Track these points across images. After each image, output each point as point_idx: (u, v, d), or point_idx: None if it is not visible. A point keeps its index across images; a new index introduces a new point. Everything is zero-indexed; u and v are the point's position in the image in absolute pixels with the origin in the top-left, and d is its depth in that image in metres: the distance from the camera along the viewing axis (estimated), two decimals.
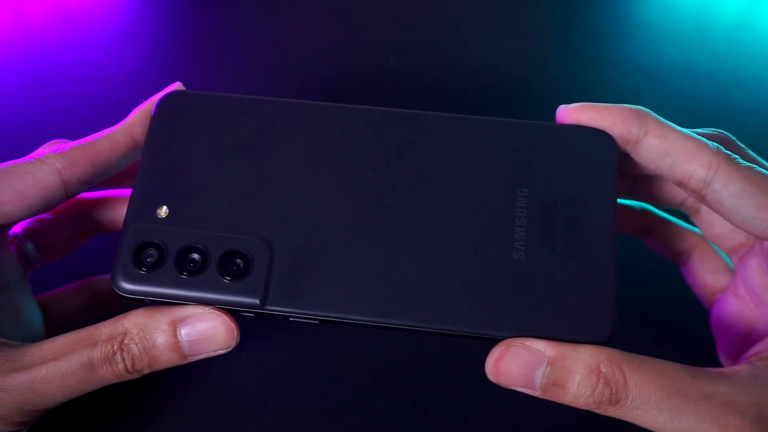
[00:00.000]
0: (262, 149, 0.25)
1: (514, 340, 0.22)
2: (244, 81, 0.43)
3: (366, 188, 0.24)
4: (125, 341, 0.23)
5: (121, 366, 0.23)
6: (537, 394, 0.22)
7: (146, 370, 0.23)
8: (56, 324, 0.29)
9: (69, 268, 0.30)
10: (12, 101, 0.41)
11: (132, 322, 0.23)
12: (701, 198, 0.24)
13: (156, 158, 0.25)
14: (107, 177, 0.27)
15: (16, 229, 0.28)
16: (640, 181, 0.29)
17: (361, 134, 0.25)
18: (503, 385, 0.22)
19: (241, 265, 0.23)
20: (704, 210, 0.28)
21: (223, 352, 0.23)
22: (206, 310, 0.23)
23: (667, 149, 0.24)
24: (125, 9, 0.47)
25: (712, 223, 0.28)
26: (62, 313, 0.29)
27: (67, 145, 0.26)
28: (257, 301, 0.23)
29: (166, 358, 0.23)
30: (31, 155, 0.25)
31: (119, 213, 0.30)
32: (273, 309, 0.23)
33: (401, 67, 0.45)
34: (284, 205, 0.24)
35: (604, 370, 0.21)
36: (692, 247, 0.30)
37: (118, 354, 0.23)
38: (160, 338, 0.23)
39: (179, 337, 0.23)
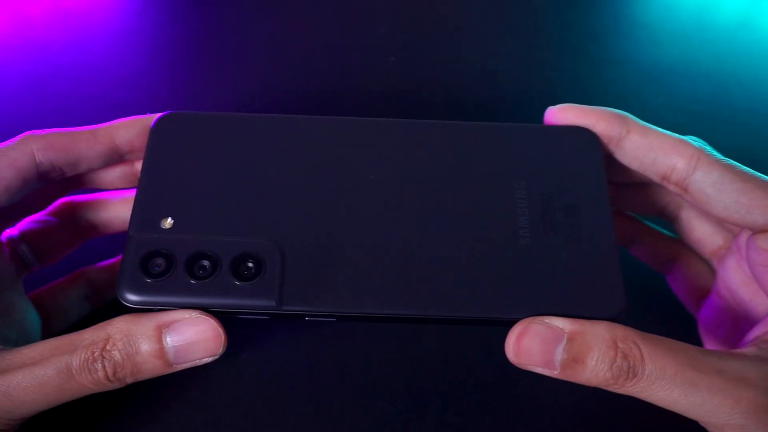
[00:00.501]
0: (263, 160, 0.25)
1: (533, 319, 0.22)
2: (244, 81, 0.43)
3: (371, 189, 0.25)
4: (107, 347, 0.22)
5: (101, 373, 0.22)
6: (555, 373, 0.22)
7: (129, 379, 0.22)
8: (54, 318, 0.29)
9: (65, 269, 0.30)
10: (12, 101, 0.41)
11: (115, 327, 0.22)
12: (683, 190, 0.25)
13: (156, 172, 0.25)
14: (80, 170, 0.27)
15: (12, 231, 0.28)
16: (620, 190, 0.30)
17: (363, 142, 0.26)
18: (523, 366, 0.23)
19: (253, 268, 0.23)
20: (684, 216, 0.29)
21: (209, 360, 0.23)
22: (193, 314, 0.22)
23: (650, 144, 0.25)
24: (125, 9, 0.47)
25: (692, 228, 0.29)
26: (58, 307, 0.29)
27: (48, 129, 0.26)
28: (273, 303, 0.22)
29: (150, 366, 0.22)
30: (10, 140, 0.26)
31: (114, 214, 0.30)
32: (290, 309, 0.22)
33: (401, 67, 0.45)
34: (290, 208, 0.24)
35: (621, 345, 0.22)
36: (677, 255, 0.30)
37: (99, 361, 0.22)
38: (145, 345, 0.22)
39: (164, 343, 0.22)
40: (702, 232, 0.29)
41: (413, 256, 0.23)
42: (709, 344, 0.29)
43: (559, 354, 0.22)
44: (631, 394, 0.22)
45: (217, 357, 0.23)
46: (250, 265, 0.23)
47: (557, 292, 0.23)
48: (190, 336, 0.22)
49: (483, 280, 0.23)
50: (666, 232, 0.31)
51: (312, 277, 0.23)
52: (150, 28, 0.46)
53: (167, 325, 0.22)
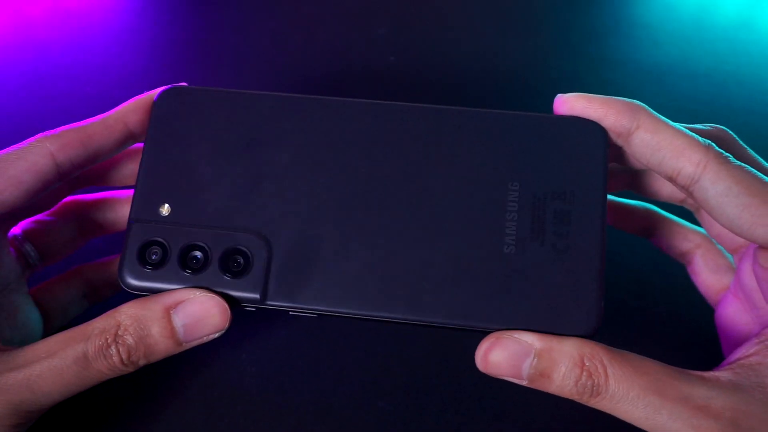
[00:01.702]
0: (261, 144, 0.25)
1: (503, 333, 0.23)
2: (244, 81, 0.43)
3: (360, 184, 0.25)
4: (119, 333, 0.23)
5: (116, 358, 0.23)
6: (524, 383, 0.23)
7: (142, 362, 0.23)
8: (53, 317, 0.29)
9: (68, 267, 0.30)
10: (12, 101, 0.41)
11: (125, 314, 0.23)
12: (689, 194, 0.24)
13: (157, 155, 0.25)
14: (99, 161, 0.27)
15: (16, 230, 0.28)
16: (642, 176, 0.29)
17: (355, 127, 0.26)
18: (492, 375, 0.23)
19: (241, 263, 0.24)
20: None
21: (216, 335, 0.24)
22: (197, 293, 0.23)
23: (658, 144, 0.24)
24: (125, 9, 0.47)
25: (712, 222, 0.28)
26: (57, 305, 0.29)
27: (60, 128, 0.26)
28: (257, 296, 0.24)
29: (162, 347, 0.23)
30: (25, 141, 0.25)
31: (118, 214, 0.30)
32: (272, 304, 0.24)
33: (401, 67, 0.45)
34: (281, 201, 0.25)
35: (587, 364, 0.22)
36: (696, 247, 0.30)
37: (113, 346, 0.23)
38: (155, 326, 0.23)
39: (174, 323, 0.23)
40: (722, 228, 0.27)
41: (394, 259, 0.24)
42: (723, 341, 0.28)
43: (527, 368, 0.22)
44: (598, 408, 0.22)
45: (223, 332, 0.24)
46: (239, 259, 0.24)
47: (533, 305, 0.23)
48: (196, 314, 0.23)
49: (461, 287, 0.23)
50: (685, 222, 0.30)
51: (295, 275, 0.24)
52: (150, 28, 0.46)
53: (174, 306, 0.23)
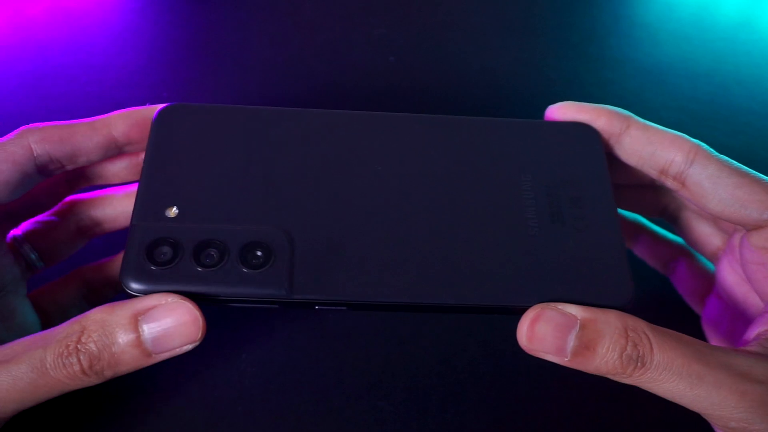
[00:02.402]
0: (267, 151, 0.25)
1: (547, 305, 0.22)
2: (244, 81, 0.43)
3: (379, 180, 0.25)
4: (82, 339, 0.21)
5: (77, 367, 0.21)
6: (565, 360, 0.22)
7: (108, 373, 0.21)
8: (53, 320, 0.28)
9: (69, 268, 0.30)
10: (12, 101, 0.41)
11: (90, 319, 0.21)
12: (681, 184, 0.25)
13: (159, 162, 0.25)
14: (80, 163, 0.26)
15: (16, 232, 0.28)
16: (621, 192, 0.30)
17: (370, 135, 0.26)
18: (534, 352, 0.22)
19: (262, 256, 0.22)
20: (683, 217, 0.29)
21: (189, 347, 0.22)
22: (169, 299, 0.21)
23: (649, 138, 0.26)
24: (125, 9, 0.47)
25: (691, 229, 0.29)
26: (57, 308, 0.29)
27: (46, 122, 0.26)
28: (284, 291, 0.22)
29: (128, 357, 0.21)
30: (8, 134, 0.25)
31: (119, 210, 0.29)
32: (301, 297, 0.22)
33: (401, 67, 0.45)
34: (297, 197, 0.24)
35: (631, 335, 0.22)
36: (679, 255, 0.31)
37: (74, 355, 0.21)
38: (121, 334, 0.21)
39: (141, 332, 0.21)
40: (701, 233, 0.29)
41: (425, 246, 0.23)
42: (713, 342, 0.29)
43: (571, 341, 0.22)
44: (638, 385, 0.22)
45: (196, 344, 0.22)
46: (259, 253, 0.22)
47: (567, 280, 0.23)
48: (166, 322, 0.21)
49: (494, 268, 0.23)
50: (668, 234, 0.31)
51: (323, 265, 0.22)
52: (150, 29, 0.46)
53: (143, 313, 0.21)
